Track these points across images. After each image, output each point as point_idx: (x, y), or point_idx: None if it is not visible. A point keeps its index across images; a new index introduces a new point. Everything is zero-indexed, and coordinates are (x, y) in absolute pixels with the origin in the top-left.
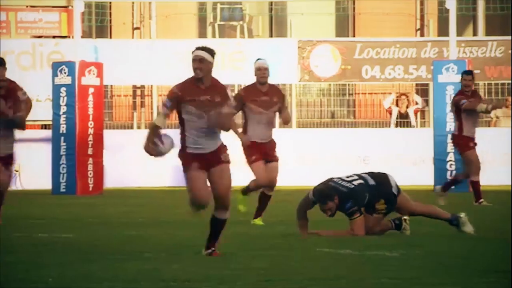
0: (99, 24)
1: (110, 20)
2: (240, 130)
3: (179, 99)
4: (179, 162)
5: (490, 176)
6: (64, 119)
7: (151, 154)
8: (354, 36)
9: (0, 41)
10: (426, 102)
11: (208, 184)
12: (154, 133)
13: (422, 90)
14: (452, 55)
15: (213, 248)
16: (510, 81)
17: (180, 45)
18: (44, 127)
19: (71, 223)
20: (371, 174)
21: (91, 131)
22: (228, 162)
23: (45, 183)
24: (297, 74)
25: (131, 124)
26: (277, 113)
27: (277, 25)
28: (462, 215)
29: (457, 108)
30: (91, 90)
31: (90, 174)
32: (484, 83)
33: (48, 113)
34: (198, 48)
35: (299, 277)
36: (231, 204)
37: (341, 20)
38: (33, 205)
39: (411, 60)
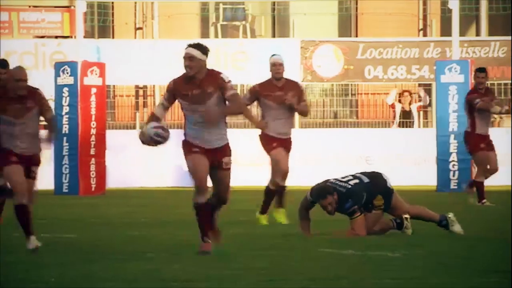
0: (101, 24)
1: (113, 20)
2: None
3: (175, 92)
4: (181, 162)
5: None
6: (67, 119)
7: (140, 139)
8: (356, 36)
9: (2, 41)
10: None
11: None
12: (149, 118)
13: (425, 90)
14: (455, 55)
15: (205, 238)
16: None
17: (182, 45)
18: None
19: (73, 223)
20: (365, 173)
21: (93, 131)
22: (230, 167)
23: (47, 183)
24: (299, 74)
25: (134, 124)
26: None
27: (279, 25)
28: (451, 215)
29: (470, 106)
30: (93, 90)
31: (93, 174)
32: (487, 83)
33: None
34: (189, 46)
35: (300, 277)
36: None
37: (344, 20)
38: (35, 205)
39: (413, 60)
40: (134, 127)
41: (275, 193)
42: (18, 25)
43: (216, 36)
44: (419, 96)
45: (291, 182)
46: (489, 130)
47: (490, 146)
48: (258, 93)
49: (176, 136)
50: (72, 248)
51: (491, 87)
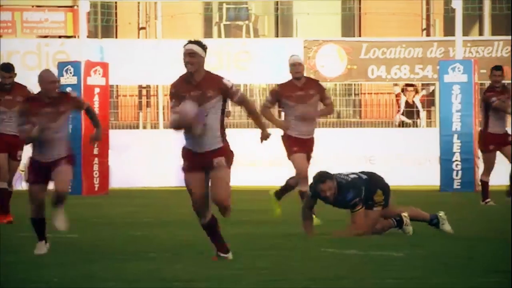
0: (104, 24)
1: (116, 20)
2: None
3: (177, 94)
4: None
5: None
6: (70, 119)
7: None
8: (360, 36)
9: (5, 40)
10: (432, 101)
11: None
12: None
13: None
14: (458, 55)
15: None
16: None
17: None
18: None
19: (75, 223)
20: (362, 172)
21: None
22: (222, 166)
23: (50, 183)
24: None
25: (137, 124)
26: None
27: (283, 25)
28: (441, 213)
29: (486, 105)
30: (96, 90)
31: (96, 174)
32: (504, 83)
33: None
34: (189, 42)
35: (301, 277)
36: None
37: (347, 20)
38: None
39: (417, 60)
40: (137, 127)
41: (293, 188)
42: (21, 24)
43: (219, 36)
44: (422, 88)
45: None
46: (505, 128)
47: (505, 143)
48: (279, 94)
49: (181, 137)
50: (73, 248)
51: (507, 86)
